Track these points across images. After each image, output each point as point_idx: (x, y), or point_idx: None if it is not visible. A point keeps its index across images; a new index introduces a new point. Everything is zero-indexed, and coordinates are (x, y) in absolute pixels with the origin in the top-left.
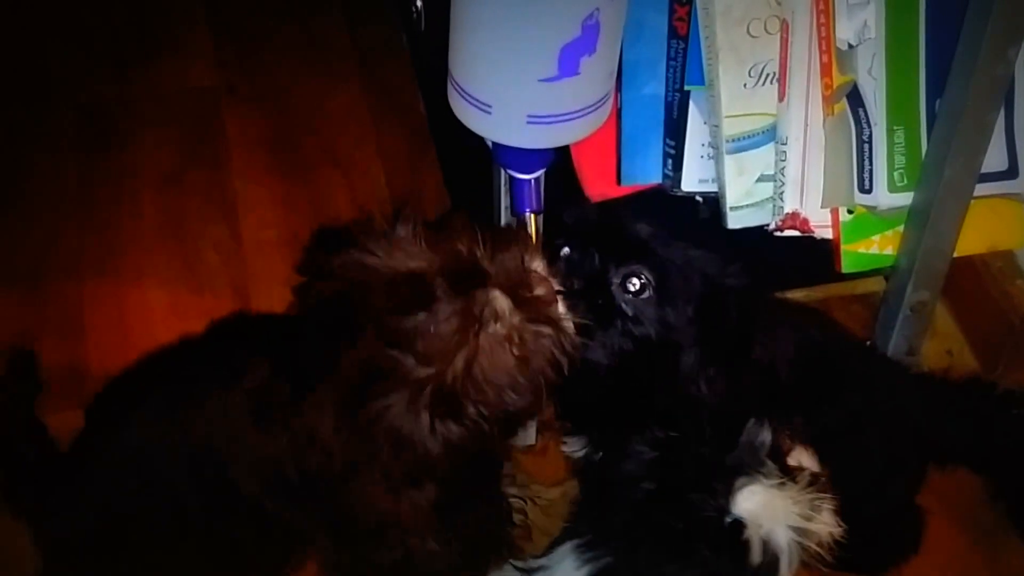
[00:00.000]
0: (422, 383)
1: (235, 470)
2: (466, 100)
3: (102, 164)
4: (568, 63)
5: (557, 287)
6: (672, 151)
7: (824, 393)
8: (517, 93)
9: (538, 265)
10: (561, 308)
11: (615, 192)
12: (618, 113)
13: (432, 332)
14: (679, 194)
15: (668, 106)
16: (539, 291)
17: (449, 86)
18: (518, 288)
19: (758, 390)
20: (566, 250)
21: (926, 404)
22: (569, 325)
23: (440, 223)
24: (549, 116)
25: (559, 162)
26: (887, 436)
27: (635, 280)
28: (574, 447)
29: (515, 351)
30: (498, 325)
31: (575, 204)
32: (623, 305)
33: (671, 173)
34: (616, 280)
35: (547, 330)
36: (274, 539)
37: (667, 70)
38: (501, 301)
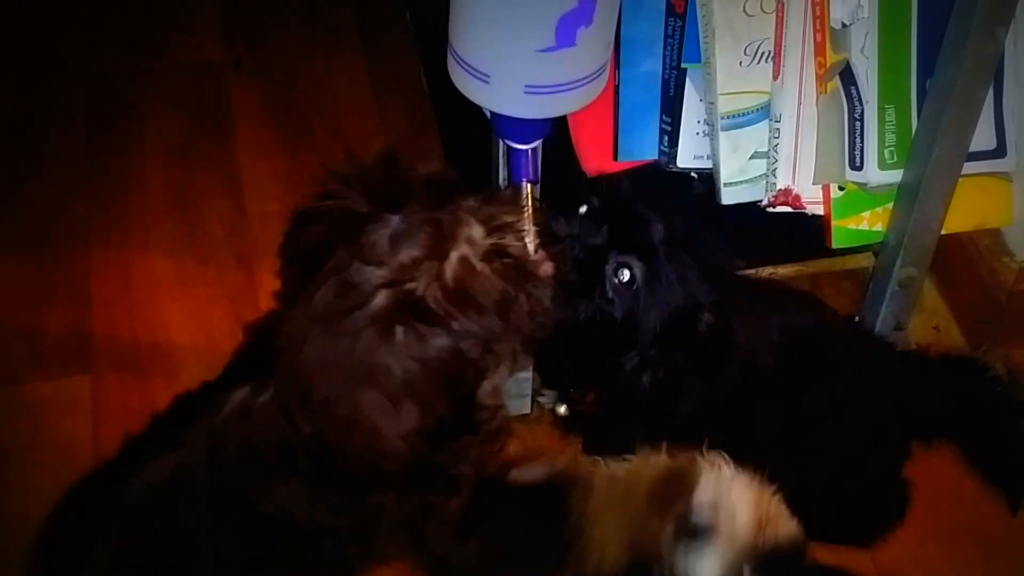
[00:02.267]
0: (394, 295)
1: (249, 485)
2: (465, 70)
3: (110, 136)
4: (565, 34)
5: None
6: (668, 128)
7: (808, 376)
8: (515, 63)
9: (523, 224)
10: (541, 262)
11: (612, 167)
12: (616, 89)
13: (402, 240)
14: (675, 170)
15: (665, 83)
16: (515, 243)
17: (449, 56)
18: (495, 230)
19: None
20: (584, 209)
21: (910, 381)
22: (545, 272)
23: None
24: (546, 86)
25: (557, 137)
26: (872, 413)
27: (627, 272)
28: (549, 399)
29: (486, 274)
30: (470, 248)
31: (614, 177)
32: (607, 285)
33: (667, 149)
34: (612, 263)
35: (520, 271)
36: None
37: (664, 48)
38: (476, 228)
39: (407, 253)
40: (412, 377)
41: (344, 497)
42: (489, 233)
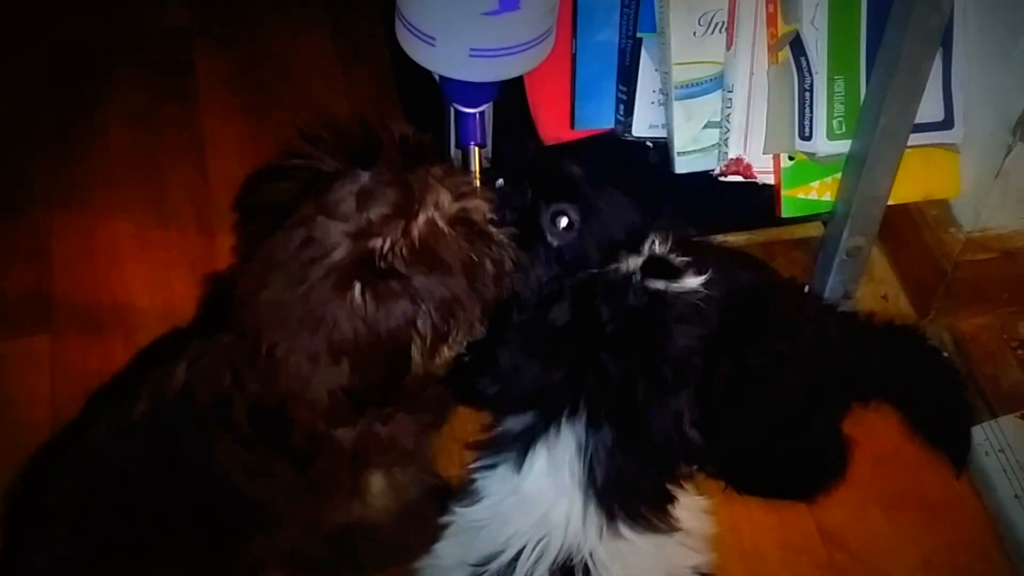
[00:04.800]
0: (355, 250)
1: (183, 437)
2: (411, 32)
3: (75, 99)
4: None
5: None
6: (624, 97)
7: (751, 333)
8: (460, 26)
9: (483, 192)
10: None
11: (568, 136)
12: (572, 59)
13: (370, 197)
14: (630, 139)
15: (621, 53)
16: (479, 210)
17: (396, 20)
18: (461, 197)
19: None
20: (500, 182)
21: (852, 342)
22: (505, 240)
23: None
24: (491, 50)
25: (513, 106)
26: (814, 371)
27: (563, 218)
28: None
29: (452, 236)
30: (436, 211)
31: (515, 141)
32: (550, 237)
33: (623, 118)
34: (546, 215)
35: (485, 239)
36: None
37: (621, 17)
38: (443, 193)
39: (374, 210)
40: (357, 337)
41: (281, 460)
42: (455, 199)
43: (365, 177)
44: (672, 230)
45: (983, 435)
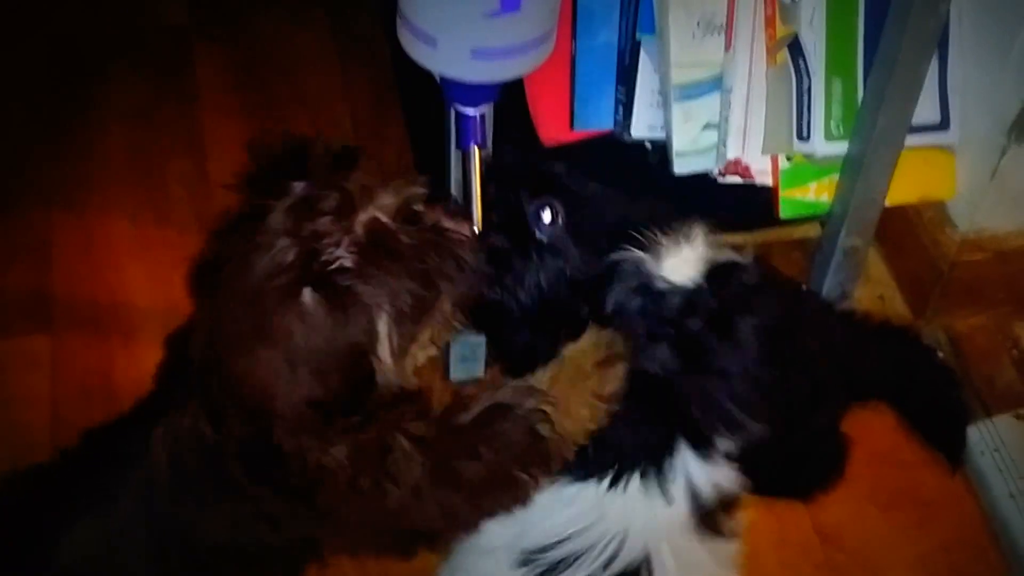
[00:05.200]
0: (299, 255)
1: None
2: (413, 33)
3: (75, 98)
4: None
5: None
6: (623, 98)
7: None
8: (462, 27)
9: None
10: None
11: (568, 137)
12: (572, 60)
13: (307, 206)
14: (629, 140)
15: (620, 54)
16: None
17: (397, 20)
18: (406, 198)
19: None
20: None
21: (851, 341)
22: (461, 234)
23: None
24: (493, 50)
25: (514, 106)
26: (814, 370)
27: (547, 211)
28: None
29: (401, 232)
30: (379, 210)
31: (497, 147)
32: (538, 233)
33: (622, 119)
34: (531, 210)
35: (437, 231)
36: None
37: (620, 19)
38: (385, 194)
39: (314, 216)
40: (312, 345)
41: (290, 501)
42: (399, 199)
43: (299, 187)
44: (671, 221)
45: (978, 434)
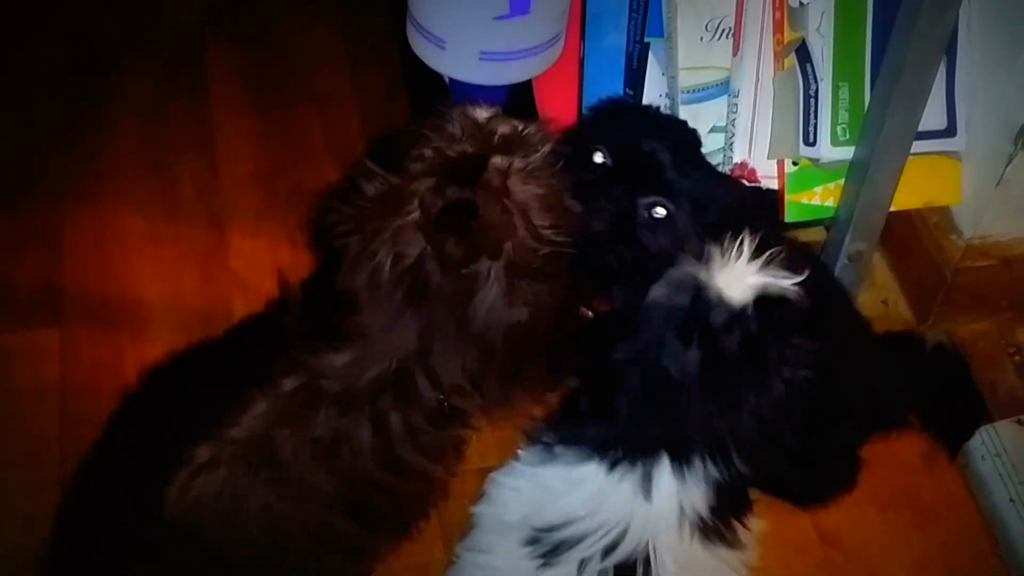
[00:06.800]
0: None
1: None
2: (422, 35)
3: (87, 93)
4: (520, 1)
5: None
6: (631, 100)
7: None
8: (471, 29)
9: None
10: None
11: None
12: (580, 62)
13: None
14: None
15: (628, 57)
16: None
17: (407, 22)
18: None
19: None
20: (598, 156)
21: (883, 362)
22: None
23: None
24: (501, 53)
25: (523, 106)
26: (846, 383)
27: (659, 209)
28: None
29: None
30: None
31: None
32: (646, 233)
33: None
34: (642, 209)
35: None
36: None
37: (629, 22)
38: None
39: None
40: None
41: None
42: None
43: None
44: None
45: (979, 439)
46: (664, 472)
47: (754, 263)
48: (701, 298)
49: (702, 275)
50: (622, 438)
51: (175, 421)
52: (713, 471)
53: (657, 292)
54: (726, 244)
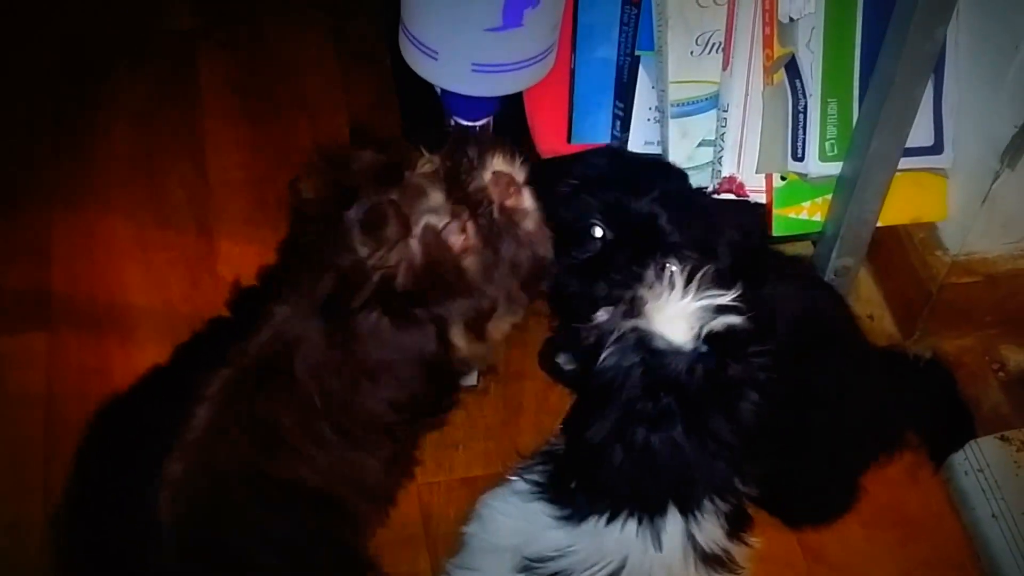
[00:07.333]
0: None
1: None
2: (415, 46)
3: (77, 98)
4: (512, 14)
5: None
6: (621, 113)
7: (812, 359)
8: (463, 41)
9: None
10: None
11: (565, 149)
12: (571, 74)
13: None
14: None
15: (619, 69)
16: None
17: (400, 32)
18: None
19: None
20: (598, 231)
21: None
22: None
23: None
24: (493, 65)
25: (513, 117)
26: (854, 411)
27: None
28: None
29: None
30: (432, 215)
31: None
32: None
33: (619, 134)
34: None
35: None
36: None
37: (620, 35)
38: (432, 192)
39: (374, 240)
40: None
41: None
42: (450, 192)
43: (352, 212)
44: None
45: (963, 455)
46: (675, 521)
47: (687, 292)
48: (652, 350)
49: (641, 324)
50: (622, 505)
51: (138, 448)
52: (723, 505)
53: (605, 355)
54: (651, 282)
